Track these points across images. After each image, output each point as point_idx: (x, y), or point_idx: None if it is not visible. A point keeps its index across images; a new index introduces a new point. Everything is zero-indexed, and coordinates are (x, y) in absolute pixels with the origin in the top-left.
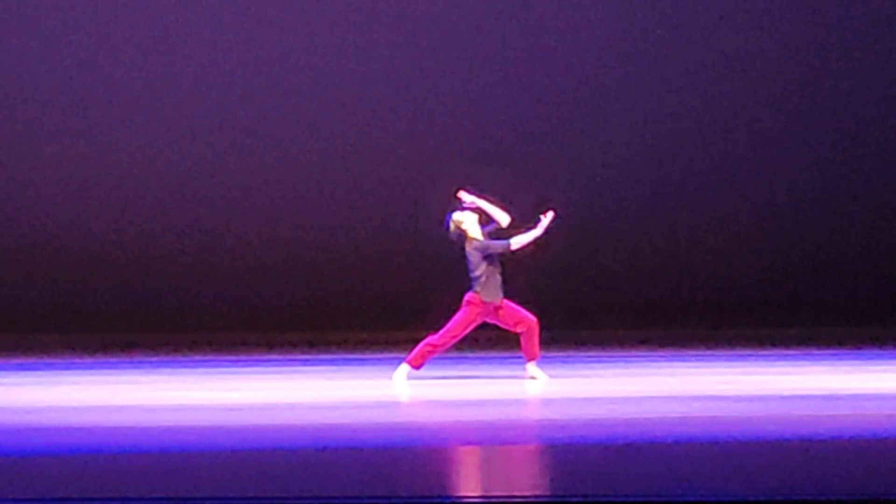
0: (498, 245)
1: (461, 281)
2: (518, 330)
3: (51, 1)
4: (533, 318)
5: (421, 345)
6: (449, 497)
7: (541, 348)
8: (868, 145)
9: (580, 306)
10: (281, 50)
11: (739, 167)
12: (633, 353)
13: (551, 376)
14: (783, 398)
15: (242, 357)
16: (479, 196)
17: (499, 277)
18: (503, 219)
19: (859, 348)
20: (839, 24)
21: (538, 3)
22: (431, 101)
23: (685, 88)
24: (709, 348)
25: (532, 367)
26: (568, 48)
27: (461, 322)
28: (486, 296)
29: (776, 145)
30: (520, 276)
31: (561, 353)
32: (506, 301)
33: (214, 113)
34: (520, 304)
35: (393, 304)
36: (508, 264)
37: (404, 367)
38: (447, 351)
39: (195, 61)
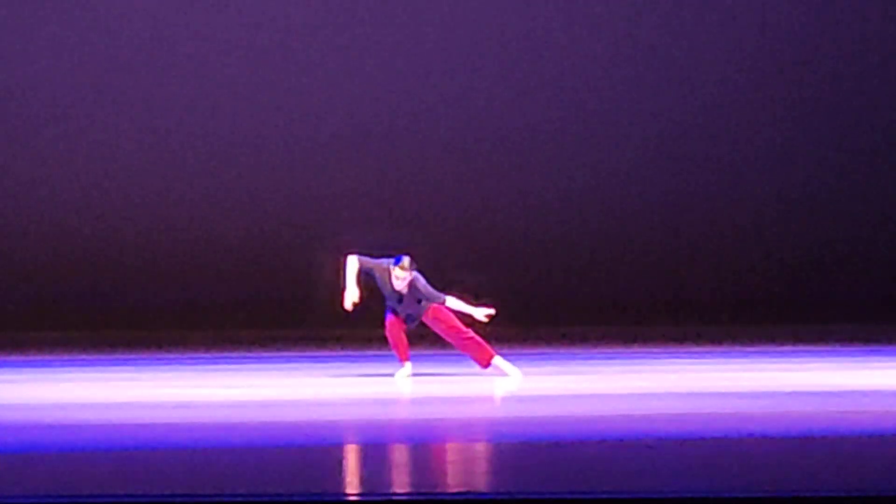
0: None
1: (462, 280)
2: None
3: (53, 1)
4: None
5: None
6: (447, 493)
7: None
8: (873, 142)
9: (581, 303)
10: (275, 50)
11: (740, 163)
12: (634, 349)
13: (552, 373)
14: (785, 395)
15: (243, 354)
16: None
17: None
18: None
19: (862, 345)
20: (843, 18)
21: (538, 2)
22: (433, 101)
23: (687, 85)
24: (711, 345)
25: (499, 361)
26: (568, 46)
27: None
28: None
29: (780, 142)
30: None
31: (561, 350)
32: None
33: (217, 111)
34: (520, 297)
35: None
36: (510, 261)
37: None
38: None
39: (191, 61)
